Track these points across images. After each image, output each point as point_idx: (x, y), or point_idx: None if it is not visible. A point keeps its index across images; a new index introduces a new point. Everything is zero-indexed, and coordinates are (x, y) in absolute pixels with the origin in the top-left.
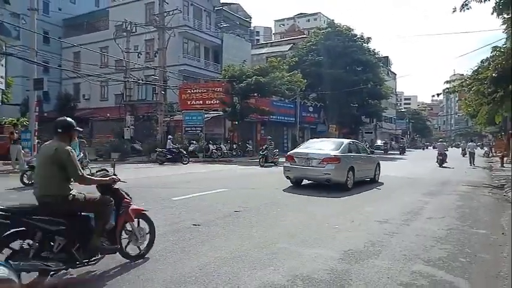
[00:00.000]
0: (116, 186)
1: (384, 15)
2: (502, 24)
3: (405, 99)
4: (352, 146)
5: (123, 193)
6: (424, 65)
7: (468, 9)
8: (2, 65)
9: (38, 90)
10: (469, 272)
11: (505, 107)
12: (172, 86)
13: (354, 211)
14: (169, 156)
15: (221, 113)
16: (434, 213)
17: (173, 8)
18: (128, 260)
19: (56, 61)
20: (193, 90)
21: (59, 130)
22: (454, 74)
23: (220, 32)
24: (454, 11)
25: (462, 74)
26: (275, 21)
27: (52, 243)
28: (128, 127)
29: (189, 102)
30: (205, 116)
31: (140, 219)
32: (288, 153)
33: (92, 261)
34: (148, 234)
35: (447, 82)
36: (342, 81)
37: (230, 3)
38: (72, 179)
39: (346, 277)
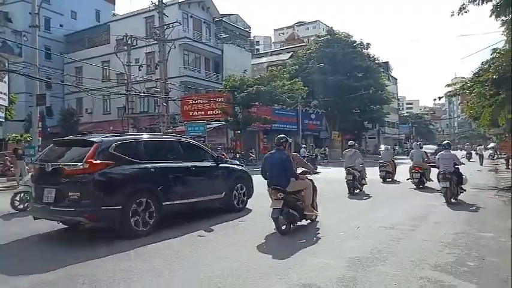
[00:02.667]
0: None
1: (382, 21)
2: (501, 26)
3: (407, 103)
4: None
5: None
6: (426, 69)
7: (466, 12)
8: (5, 82)
9: (41, 106)
10: (477, 276)
11: (507, 109)
12: (174, 98)
13: (359, 217)
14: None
15: (223, 122)
16: (441, 217)
17: (173, 21)
18: (135, 272)
19: (58, 76)
20: (195, 101)
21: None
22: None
23: (220, 42)
24: (452, 15)
25: (463, 77)
26: (274, 30)
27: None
28: None
29: (191, 113)
30: (208, 126)
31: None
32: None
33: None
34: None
35: (448, 85)
36: (343, 88)
37: (229, 14)
38: None
39: (353, 285)
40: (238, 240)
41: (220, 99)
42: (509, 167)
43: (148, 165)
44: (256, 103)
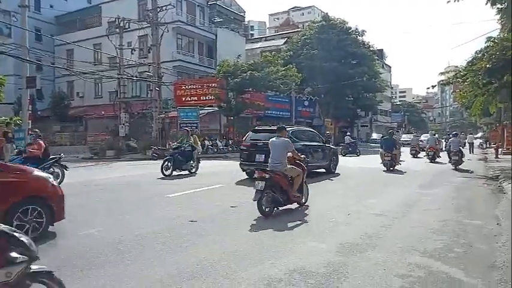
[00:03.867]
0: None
1: (377, 8)
2: (496, 14)
3: (400, 92)
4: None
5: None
6: (419, 58)
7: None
8: None
9: (31, 89)
10: (464, 262)
11: (499, 98)
12: (167, 82)
13: (350, 205)
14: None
15: (216, 108)
16: (430, 205)
17: (166, 3)
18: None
19: (48, 59)
20: (188, 86)
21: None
22: (449, 66)
23: (214, 27)
24: (448, 2)
25: (457, 66)
26: (269, 15)
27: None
28: (123, 124)
29: (184, 99)
30: (201, 112)
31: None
32: None
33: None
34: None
35: (442, 74)
36: (337, 75)
37: None
38: None
39: (343, 270)
40: (227, 226)
41: (213, 84)
42: (498, 156)
43: (301, 143)
44: (250, 89)
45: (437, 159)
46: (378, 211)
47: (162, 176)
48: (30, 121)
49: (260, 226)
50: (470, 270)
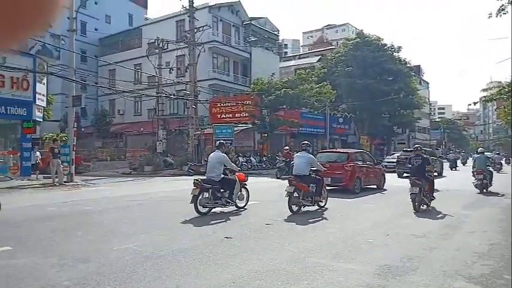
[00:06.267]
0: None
1: (414, 22)
2: None
3: (439, 108)
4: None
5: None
6: (459, 73)
7: (505, 13)
8: (44, 84)
9: (76, 107)
10: None
11: None
12: (203, 100)
13: (388, 224)
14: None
15: (250, 125)
16: (475, 226)
17: (203, 24)
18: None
19: (92, 79)
20: (223, 103)
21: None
22: (491, 81)
23: (248, 45)
24: (490, 17)
25: (500, 81)
26: (303, 33)
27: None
28: (160, 141)
29: (219, 116)
30: (235, 129)
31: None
32: None
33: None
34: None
35: (484, 90)
36: (373, 92)
37: (258, 18)
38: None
39: None
40: (263, 244)
41: (247, 102)
42: None
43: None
44: (284, 106)
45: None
46: (418, 232)
47: None
48: (75, 137)
49: (295, 244)
50: None
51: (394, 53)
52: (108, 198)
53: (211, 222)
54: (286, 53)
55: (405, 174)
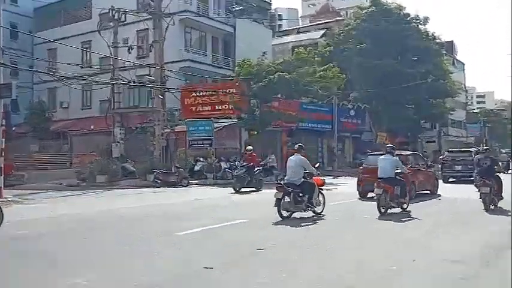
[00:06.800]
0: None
1: None
2: None
3: (478, 96)
4: None
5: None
6: (503, 52)
7: None
8: None
9: (4, 98)
10: None
11: None
12: (173, 88)
13: (414, 245)
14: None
15: (235, 120)
16: None
17: None
18: None
19: (26, 61)
20: (199, 93)
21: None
22: None
23: (232, 17)
24: None
25: None
26: (303, 1)
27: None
28: (117, 142)
29: (193, 109)
30: (215, 125)
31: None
32: None
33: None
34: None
35: None
36: (393, 76)
37: None
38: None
39: None
40: (253, 276)
41: (231, 90)
42: None
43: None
44: (279, 95)
45: None
46: (453, 256)
47: (169, 208)
48: (3, 139)
49: (297, 275)
50: None
51: (420, 26)
52: (49, 218)
53: (187, 247)
54: (280, 26)
55: (451, 179)
